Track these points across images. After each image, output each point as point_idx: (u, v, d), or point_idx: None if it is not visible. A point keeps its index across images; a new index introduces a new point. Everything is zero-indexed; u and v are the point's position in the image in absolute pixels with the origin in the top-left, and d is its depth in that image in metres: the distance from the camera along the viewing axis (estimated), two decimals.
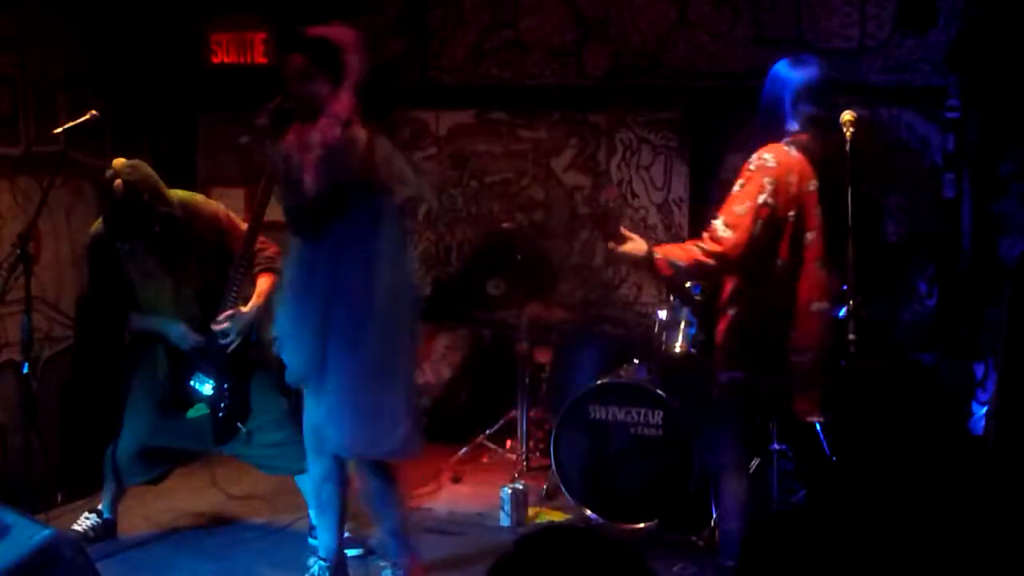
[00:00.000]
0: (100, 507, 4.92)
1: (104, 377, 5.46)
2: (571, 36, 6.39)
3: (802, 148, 4.02)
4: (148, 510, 5.26)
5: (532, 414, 5.87)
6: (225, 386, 4.63)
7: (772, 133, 4.06)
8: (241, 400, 4.65)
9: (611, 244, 4.07)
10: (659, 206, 6.36)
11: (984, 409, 4.73)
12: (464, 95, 6.61)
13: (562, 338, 6.04)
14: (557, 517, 5.28)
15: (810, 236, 4.03)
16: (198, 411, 4.66)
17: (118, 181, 4.45)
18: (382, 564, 4.41)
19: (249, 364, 4.65)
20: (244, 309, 4.57)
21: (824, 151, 4.08)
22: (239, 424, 4.64)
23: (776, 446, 4.76)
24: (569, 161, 6.51)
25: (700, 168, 6.20)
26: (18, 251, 4.56)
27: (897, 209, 5.92)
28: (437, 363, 6.74)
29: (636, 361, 5.39)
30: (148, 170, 4.57)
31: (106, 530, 4.91)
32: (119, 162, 4.52)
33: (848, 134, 3.99)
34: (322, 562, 4.32)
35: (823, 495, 4.52)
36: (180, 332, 4.63)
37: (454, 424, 6.34)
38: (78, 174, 5.68)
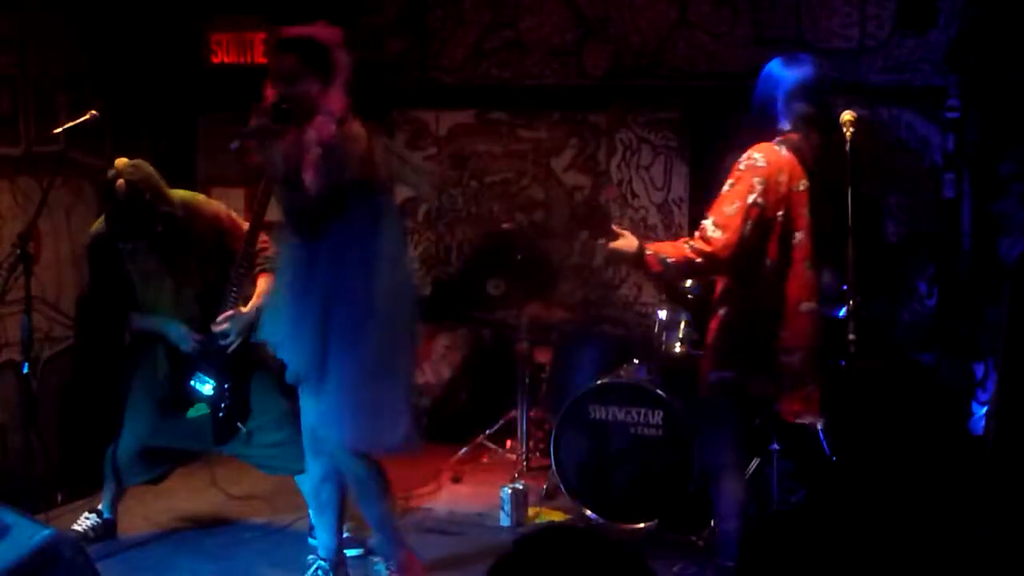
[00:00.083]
0: (100, 507, 4.92)
1: (104, 377, 5.45)
2: (571, 36, 6.39)
3: (793, 147, 4.02)
4: (148, 510, 5.26)
5: (532, 414, 5.87)
6: (225, 386, 4.63)
7: (765, 132, 4.06)
8: (241, 400, 4.65)
9: (602, 241, 4.08)
10: (659, 206, 6.36)
11: (984, 409, 4.73)
12: (464, 95, 6.61)
13: (562, 338, 6.04)
14: (557, 517, 5.28)
15: (799, 236, 4.02)
16: (198, 411, 4.66)
17: (120, 181, 4.46)
18: (375, 559, 4.40)
19: (249, 364, 4.65)
20: (244, 309, 4.57)
21: (816, 151, 4.08)
22: (239, 424, 4.65)
23: (776, 446, 4.77)
24: (569, 161, 6.51)
25: (700, 168, 6.20)
26: (18, 251, 4.56)
27: (897, 209, 5.92)
28: (437, 363, 6.74)
29: (636, 361, 5.38)
30: (150, 170, 4.57)
31: (106, 530, 4.91)
32: (121, 162, 4.53)
33: (848, 134, 3.99)
34: (322, 562, 4.32)
35: (821, 495, 4.52)
36: (180, 332, 4.64)
37: (454, 424, 6.35)
38: (78, 174, 5.68)
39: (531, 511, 5.27)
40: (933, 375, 5.50)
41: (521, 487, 5.21)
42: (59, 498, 5.28)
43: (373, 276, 3.97)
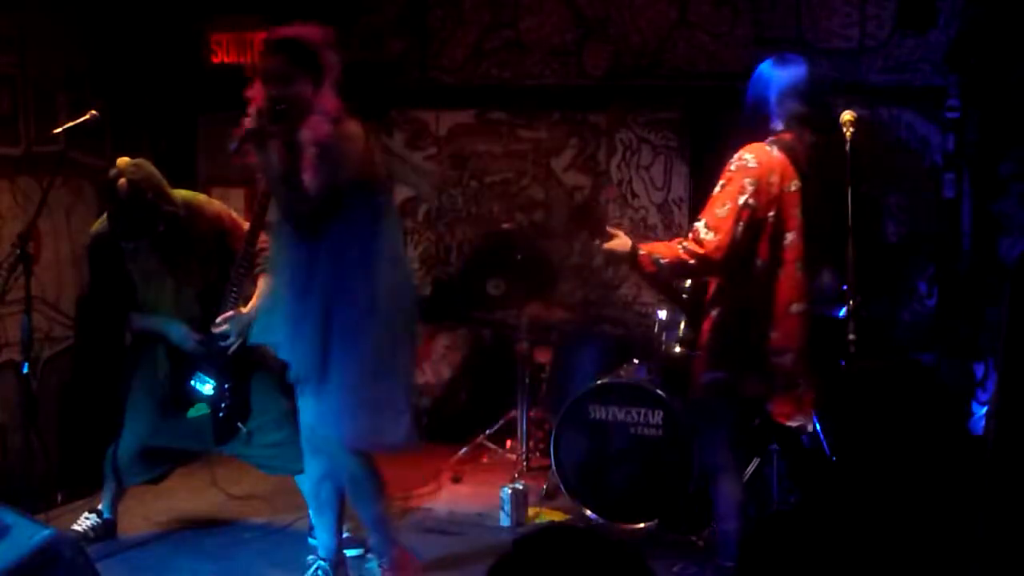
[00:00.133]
0: (100, 507, 4.92)
1: (104, 377, 5.45)
2: (571, 36, 6.39)
3: (785, 148, 4.02)
4: (148, 510, 5.26)
5: (532, 414, 5.87)
6: (225, 386, 4.63)
7: (757, 133, 4.06)
8: (241, 400, 4.65)
9: (596, 241, 4.09)
10: (659, 206, 6.36)
11: (984, 409, 4.73)
12: (464, 95, 6.61)
13: (562, 338, 6.04)
14: (557, 517, 5.28)
15: (790, 237, 4.01)
16: (198, 411, 4.66)
17: (122, 180, 4.46)
18: (368, 556, 4.40)
19: (249, 364, 4.65)
20: (244, 310, 4.57)
21: (810, 151, 4.08)
22: (239, 424, 4.65)
23: (776, 446, 4.77)
24: (569, 161, 6.51)
25: (700, 168, 6.20)
26: (18, 251, 4.56)
27: (897, 209, 5.92)
28: (437, 363, 6.74)
29: (636, 361, 5.39)
30: (152, 169, 4.57)
31: (106, 530, 4.91)
32: (123, 161, 4.53)
33: (848, 134, 3.99)
34: (322, 562, 4.32)
35: (818, 496, 4.52)
36: (181, 332, 4.64)
37: (454, 424, 6.35)
38: (78, 174, 5.68)
39: (531, 511, 5.27)
40: (933, 375, 5.50)
41: (521, 487, 5.21)
42: (59, 498, 5.28)
43: (373, 275, 3.97)
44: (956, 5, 5.69)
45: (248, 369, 4.66)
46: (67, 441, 5.62)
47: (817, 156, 4.14)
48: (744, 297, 4.03)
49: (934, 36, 5.76)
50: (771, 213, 3.96)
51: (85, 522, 4.89)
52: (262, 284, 4.61)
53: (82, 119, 4.72)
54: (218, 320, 4.52)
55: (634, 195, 6.40)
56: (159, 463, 4.91)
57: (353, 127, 3.91)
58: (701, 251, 3.90)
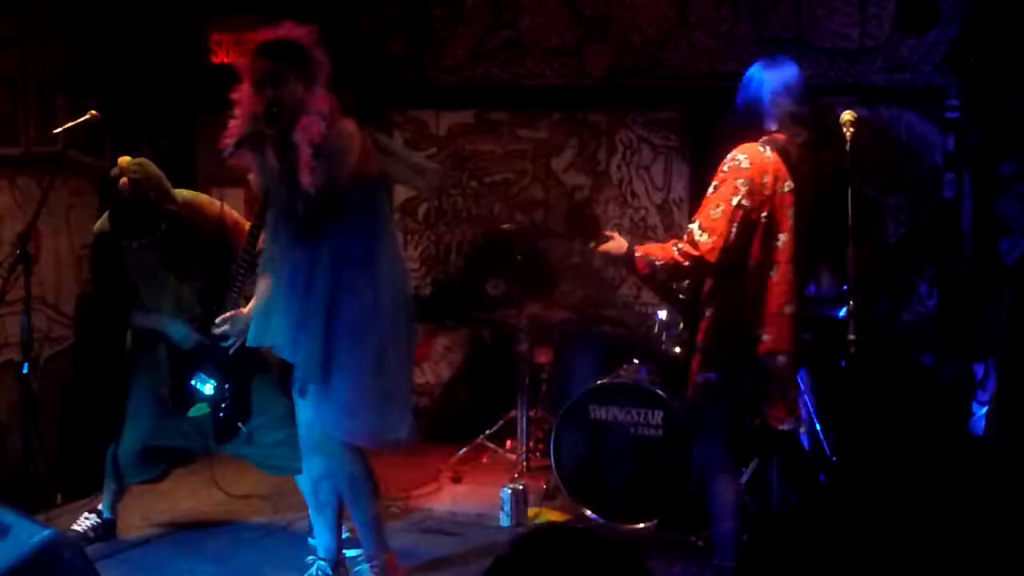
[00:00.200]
0: (100, 507, 4.92)
1: (104, 377, 5.45)
2: (571, 36, 6.39)
3: (778, 148, 4.02)
4: (148, 510, 5.27)
5: (532, 414, 5.87)
6: (226, 386, 4.63)
7: (751, 134, 4.06)
8: (242, 400, 4.65)
9: (591, 244, 4.09)
10: (659, 206, 6.36)
11: (984, 409, 4.73)
12: (464, 95, 6.61)
13: (562, 338, 6.04)
14: (557, 517, 5.28)
15: (783, 238, 4.01)
16: (199, 410, 4.66)
17: (124, 179, 4.46)
18: (358, 559, 4.40)
19: (250, 364, 4.65)
20: (244, 310, 4.57)
21: (804, 151, 4.08)
22: (240, 424, 4.64)
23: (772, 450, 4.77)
24: (569, 161, 6.51)
25: (700, 168, 6.19)
26: (18, 251, 4.56)
27: (897, 209, 5.92)
28: (437, 363, 6.74)
29: (636, 361, 5.38)
30: (154, 169, 4.57)
31: (106, 530, 4.91)
32: (125, 160, 4.53)
33: (848, 134, 3.99)
34: (321, 562, 4.32)
35: (817, 496, 4.53)
36: (182, 331, 4.64)
37: (454, 424, 6.35)
38: (78, 174, 5.68)
39: (531, 511, 5.27)
40: (933, 375, 5.50)
41: (521, 487, 5.21)
42: (59, 498, 5.28)
43: (376, 273, 3.98)
44: (956, 5, 5.69)
45: (249, 369, 4.66)
46: (67, 441, 5.62)
47: (812, 156, 4.15)
48: (736, 298, 4.03)
49: (934, 36, 5.76)
50: (764, 214, 3.96)
51: (85, 522, 4.89)
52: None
53: (82, 119, 4.72)
54: (218, 320, 4.52)
55: (634, 195, 6.39)
56: (159, 462, 4.90)
57: (348, 125, 3.90)
58: (696, 253, 3.91)
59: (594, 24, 6.34)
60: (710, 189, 3.99)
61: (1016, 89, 5.48)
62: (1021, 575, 2.96)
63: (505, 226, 6.38)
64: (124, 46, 5.98)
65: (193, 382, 4.64)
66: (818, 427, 4.96)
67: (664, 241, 4.21)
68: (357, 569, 4.36)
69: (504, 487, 5.18)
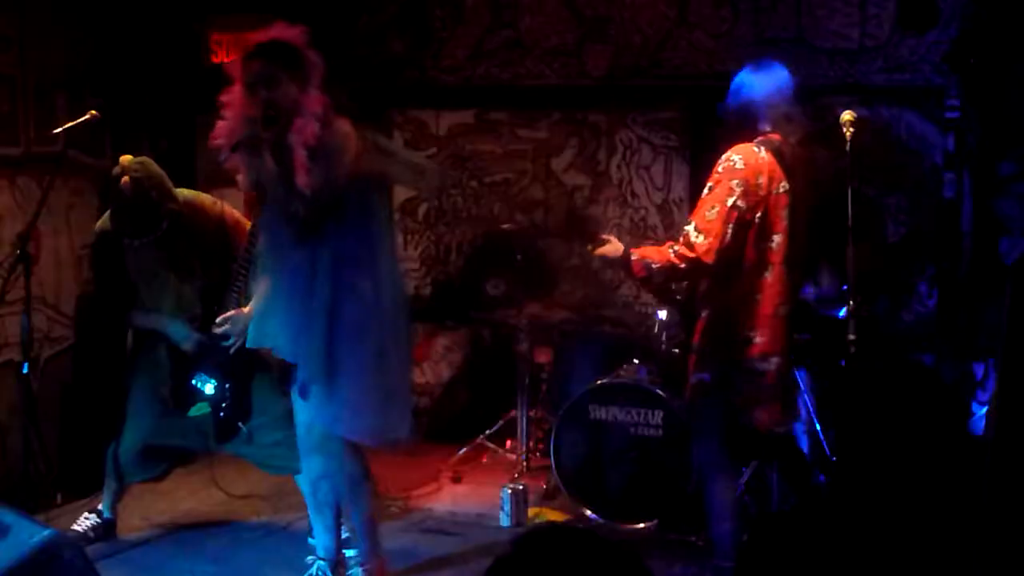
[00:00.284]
0: (100, 507, 4.93)
1: (104, 377, 5.45)
2: (571, 36, 6.39)
3: (773, 149, 4.02)
4: (148, 510, 5.27)
5: (532, 414, 5.87)
6: (226, 386, 4.63)
7: (746, 135, 4.07)
8: (242, 400, 4.66)
9: (588, 247, 4.10)
10: (659, 206, 6.36)
11: (984, 409, 4.73)
12: (464, 95, 6.61)
13: (562, 338, 6.04)
14: (557, 517, 5.28)
15: (777, 239, 4.01)
16: (199, 410, 4.66)
17: (126, 178, 4.46)
18: (352, 560, 4.40)
19: (250, 364, 4.65)
20: (245, 310, 4.57)
21: (799, 152, 4.08)
22: (240, 424, 4.65)
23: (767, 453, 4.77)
24: (569, 161, 6.51)
25: (700, 168, 6.18)
26: (18, 251, 4.56)
27: (897, 209, 5.92)
28: (437, 363, 6.74)
29: (636, 361, 5.39)
30: (155, 168, 4.57)
31: (106, 530, 4.92)
32: (126, 159, 4.53)
33: (848, 134, 3.99)
34: (321, 562, 4.32)
35: (817, 496, 4.53)
36: (182, 331, 4.64)
37: (454, 424, 6.35)
38: (78, 174, 5.68)
39: (531, 511, 5.26)
40: (933, 375, 5.50)
41: (521, 487, 5.21)
42: (59, 498, 5.28)
43: (376, 273, 3.98)
44: (956, 5, 5.69)
45: (249, 369, 4.66)
46: (67, 441, 5.62)
47: (806, 154, 4.15)
48: (730, 299, 4.03)
49: (934, 36, 5.76)
50: (758, 215, 3.97)
51: (85, 522, 4.89)
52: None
53: (82, 119, 4.72)
54: (218, 320, 4.52)
55: (634, 195, 6.39)
56: (160, 461, 4.91)
57: (343, 125, 3.90)
58: (692, 255, 3.91)
59: (594, 24, 6.34)
60: (705, 190, 3.99)
61: (1016, 89, 5.48)
62: (1021, 575, 2.97)
63: (505, 226, 6.38)
64: (124, 46, 5.98)
65: (194, 381, 4.64)
66: (818, 427, 4.96)
67: (664, 241, 4.21)
68: (350, 572, 4.36)
69: (504, 487, 5.18)
